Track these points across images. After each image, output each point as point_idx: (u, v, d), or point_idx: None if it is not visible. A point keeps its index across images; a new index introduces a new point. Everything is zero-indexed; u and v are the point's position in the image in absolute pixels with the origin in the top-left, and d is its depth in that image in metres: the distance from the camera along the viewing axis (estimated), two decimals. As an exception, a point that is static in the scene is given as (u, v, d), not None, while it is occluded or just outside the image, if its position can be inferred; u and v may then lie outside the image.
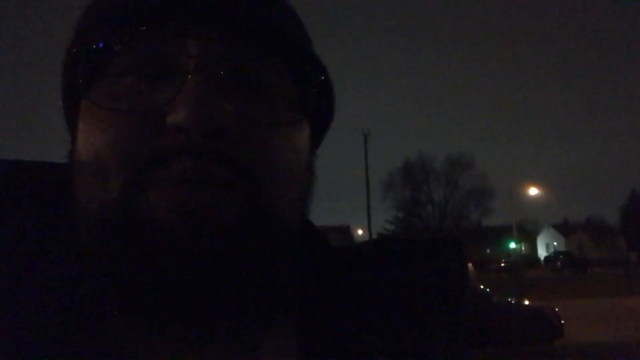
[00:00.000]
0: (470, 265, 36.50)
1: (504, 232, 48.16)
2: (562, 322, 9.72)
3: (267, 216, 0.36)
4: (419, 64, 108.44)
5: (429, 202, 45.73)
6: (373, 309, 0.44)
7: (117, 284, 0.36)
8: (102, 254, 0.36)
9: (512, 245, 38.09)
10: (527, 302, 11.34)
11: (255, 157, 0.36)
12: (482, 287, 11.63)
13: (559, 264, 40.01)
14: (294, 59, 0.40)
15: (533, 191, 37.08)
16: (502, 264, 39.08)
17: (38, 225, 0.40)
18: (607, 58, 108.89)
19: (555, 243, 60.92)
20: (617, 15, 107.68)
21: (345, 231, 36.78)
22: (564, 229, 62.05)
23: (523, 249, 55.15)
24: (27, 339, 0.35)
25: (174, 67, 0.36)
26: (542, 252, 60.15)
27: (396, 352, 0.42)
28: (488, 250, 49.97)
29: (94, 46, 0.37)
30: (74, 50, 0.39)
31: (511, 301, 11.02)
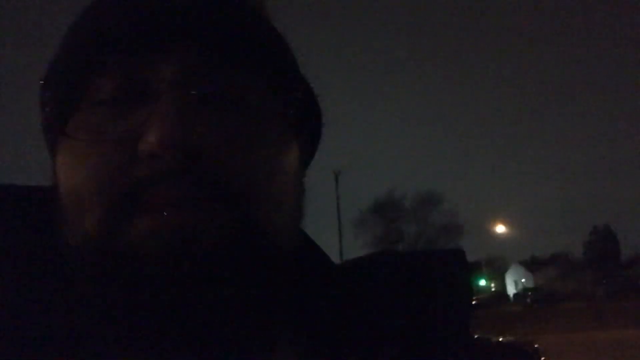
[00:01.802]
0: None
1: (474, 269, 48.59)
2: (543, 358, 9.68)
3: (255, 236, 0.35)
4: (387, 102, 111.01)
5: (400, 239, 45.88)
6: (377, 322, 0.43)
7: (104, 312, 0.35)
8: (88, 284, 0.35)
9: (482, 282, 38.38)
10: (502, 339, 11.27)
11: (238, 176, 0.35)
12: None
13: (528, 300, 40.42)
14: (276, 78, 0.39)
15: (500, 228, 37.73)
16: (474, 302, 39.07)
17: (25, 250, 0.39)
18: (570, 97, 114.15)
19: (523, 280, 61.70)
20: (581, 56, 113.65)
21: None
22: (531, 265, 63.05)
23: (493, 285, 55.62)
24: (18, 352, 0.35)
25: (147, 91, 0.35)
26: (511, 289, 60.74)
27: None
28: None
29: (67, 79, 0.37)
30: (46, 81, 0.38)
31: (489, 338, 10.94)
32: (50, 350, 0.35)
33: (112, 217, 0.34)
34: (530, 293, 43.03)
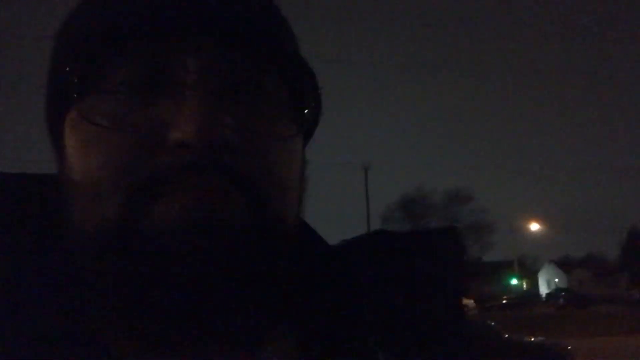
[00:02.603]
0: (471, 301, 36.00)
1: (505, 268, 47.61)
2: (575, 360, 9.35)
3: (269, 224, 0.36)
4: (418, 97, 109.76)
5: (428, 236, 45.26)
6: (372, 305, 0.44)
7: (114, 294, 0.35)
8: (99, 270, 0.35)
9: (514, 281, 37.54)
10: (534, 339, 10.96)
11: (257, 168, 0.36)
12: (491, 322, 11.29)
13: (561, 300, 39.37)
14: (290, 74, 0.40)
15: (534, 226, 36.83)
16: (504, 301, 38.40)
17: (27, 238, 0.39)
18: (610, 94, 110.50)
19: (556, 279, 60.21)
20: (623, 45, 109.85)
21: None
22: (565, 265, 61.48)
23: (524, 285, 54.48)
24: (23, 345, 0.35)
25: (172, 82, 0.36)
26: (543, 289, 59.37)
27: (397, 347, 0.42)
28: (488, 287, 49.26)
29: (86, 57, 0.36)
30: (64, 60, 0.38)
31: (520, 338, 10.65)
32: (59, 340, 0.36)
33: (135, 201, 0.34)
34: (563, 294, 41.89)
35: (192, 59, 0.36)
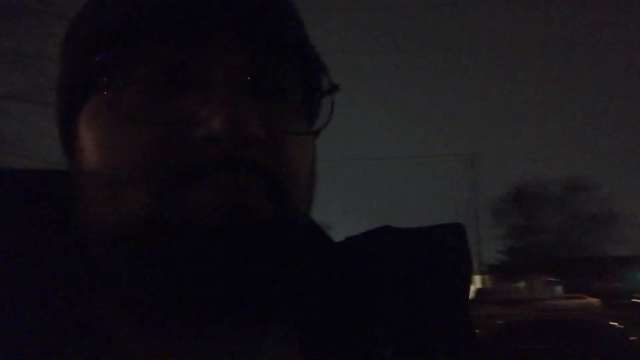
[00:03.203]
0: (596, 300, 33.27)
1: (634, 263, 43.33)
2: None
3: (291, 214, 0.37)
4: (528, 81, 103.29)
5: (544, 230, 42.67)
6: (376, 302, 0.44)
7: (132, 287, 0.36)
8: (115, 262, 0.36)
9: (646, 278, 34.06)
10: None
11: (281, 163, 0.37)
12: (614, 324, 10.52)
13: None
14: (307, 71, 0.41)
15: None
16: (635, 299, 34.98)
17: (35, 234, 0.39)
18: None
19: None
20: None
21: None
22: None
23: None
24: (28, 341, 0.35)
25: (199, 76, 0.36)
26: (683, 286, 53.00)
27: (401, 345, 0.42)
28: (616, 284, 45.13)
29: (117, 49, 0.36)
30: (92, 50, 0.38)
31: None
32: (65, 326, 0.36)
33: (164, 195, 0.34)
34: None
35: (222, 54, 0.36)
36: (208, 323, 0.36)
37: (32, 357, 0.34)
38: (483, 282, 27.63)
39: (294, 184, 0.38)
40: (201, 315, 0.36)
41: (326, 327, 0.42)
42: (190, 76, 0.36)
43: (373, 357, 0.41)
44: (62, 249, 0.38)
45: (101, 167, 0.36)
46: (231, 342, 0.38)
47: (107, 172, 0.36)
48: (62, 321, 0.36)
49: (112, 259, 0.36)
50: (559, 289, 43.30)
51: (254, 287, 0.35)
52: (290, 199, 0.37)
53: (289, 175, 0.38)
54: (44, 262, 0.38)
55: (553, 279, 44.26)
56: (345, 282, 0.45)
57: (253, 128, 0.35)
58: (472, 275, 0.47)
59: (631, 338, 9.40)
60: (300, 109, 0.41)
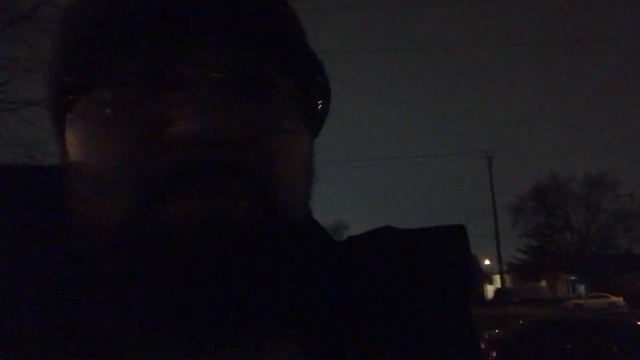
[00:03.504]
0: (620, 299, 32.57)
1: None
2: None
3: (280, 221, 0.36)
4: (549, 74, 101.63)
5: (566, 227, 41.92)
6: (377, 302, 0.44)
7: (116, 291, 0.35)
8: (103, 266, 0.35)
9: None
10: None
11: (265, 162, 0.36)
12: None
13: None
14: (297, 65, 0.39)
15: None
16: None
17: (29, 230, 0.39)
18: None
19: None
20: None
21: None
22: None
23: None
24: (22, 341, 0.34)
25: (177, 77, 0.35)
26: None
27: (402, 346, 0.42)
28: (641, 282, 44.12)
29: (92, 50, 0.36)
30: (68, 51, 0.37)
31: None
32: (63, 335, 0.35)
33: (143, 201, 0.34)
34: None
35: (197, 53, 0.35)
36: (195, 335, 0.35)
37: (24, 357, 0.34)
38: (502, 281, 27.13)
39: (284, 184, 0.37)
40: (187, 328, 0.35)
41: (327, 327, 0.42)
42: (166, 78, 0.35)
43: (374, 358, 0.41)
44: (59, 246, 0.38)
45: (84, 170, 0.36)
46: (230, 343, 0.37)
47: (88, 176, 0.36)
48: (57, 320, 0.35)
49: (98, 260, 0.35)
50: (581, 288, 42.54)
51: (243, 299, 0.34)
52: (280, 201, 0.36)
53: (278, 176, 0.37)
54: (40, 259, 0.38)
55: (575, 278, 43.48)
56: (347, 282, 0.45)
57: (231, 128, 0.34)
58: (473, 277, 0.48)
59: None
60: (291, 106, 0.40)
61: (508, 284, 41.78)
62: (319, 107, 0.43)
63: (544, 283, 46.73)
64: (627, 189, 41.33)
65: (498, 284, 38.51)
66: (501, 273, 26.69)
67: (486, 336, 9.29)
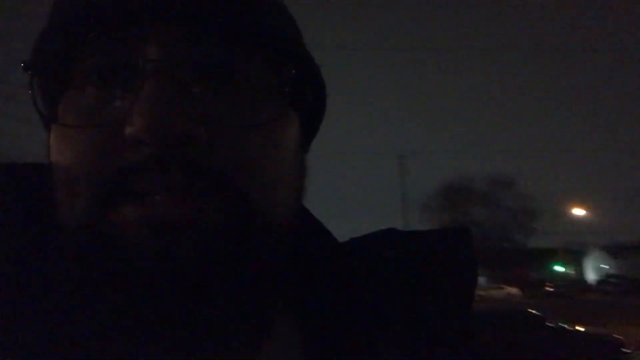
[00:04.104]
0: (516, 289, 35.18)
1: (550, 255, 46.32)
2: (627, 351, 9.01)
3: (251, 218, 0.34)
4: (455, 82, 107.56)
5: (470, 223, 44.57)
6: (379, 304, 0.43)
7: (97, 297, 0.34)
8: (80, 271, 0.34)
9: (560, 268, 36.54)
10: (583, 329, 10.62)
11: (231, 160, 0.34)
12: (534, 311, 11.00)
13: (611, 288, 37.98)
14: (270, 50, 0.37)
15: (580, 211, 35.58)
16: (550, 288, 37.35)
17: (26, 228, 0.38)
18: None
19: (605, 266, 58.12)
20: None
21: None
22: (614, 250, 59.16)
23: (571, 272, 52.88)
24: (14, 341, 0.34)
25: (132, 72, 0.34)
26: (591, 276, 57.48)
27: (404, 348, 0.41)
28: (534, 274, 48.07)
29: (51, 62, 0.36)
30: (32, 68, 0.37)
31: (568, 327, 10.33)
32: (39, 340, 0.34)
33: (99, 202, 0.33)
34: (613, 280, 40.42)
35: (151, 47, 0.34)
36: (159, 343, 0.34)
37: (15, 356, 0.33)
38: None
39: (257, 180, 0.35)
40: (153, 336, 0.33)
41: (329, 328, 0.41)
42: (126, 74, 0.34)
43: (376, 358, 0.40)
44: (51, 246, 0.37)
45: (55, 173, 0.36)
46: (230, 342, 0.36)
47: (59, 178, 0.35)
48: (45, 320, 0.35)
49: (71, 265, 0.35)
50: (482, 280, 45.46)
51: (205, 299, 0.33)
52: (248, 199, 0.34)
53: (249, 172, 0.34)
54: (33, 260, 0.37)
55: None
56: (349, 283, 0.43)
57: (186, 125, 0.32)
58: (476, 280, 0.47)
59: (549, 324, 9.82)
60: (268, 97, 0.38)
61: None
62: (309, 98, 0.41)
63: (448, 276, 49.18)
64: (522, 190, 44.48)
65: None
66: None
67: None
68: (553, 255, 45.70)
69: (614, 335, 9.41)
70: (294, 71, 0.39)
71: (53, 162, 0.36)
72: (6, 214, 0.39)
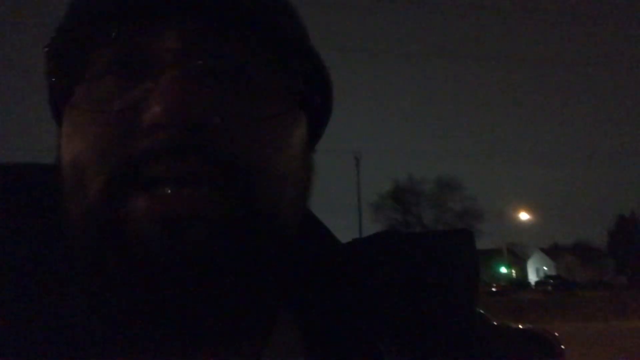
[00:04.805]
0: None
1: (494, 256, 48.05)
2: (562, 346, 9.52)
3: (258, 213, 0.34)
4: (408, 85, 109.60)
5: (418, 224, 45.61)
6: (381, 306, 0.43)
7: (105, 291, 0.34)
8: (88, 263, 0.34)
9: (503, 269, 38.01)
10: (522, 326, 11.12)
11: (241, 150, 0.34)
12: (479, 310, 11.42)
13: (549, 287, 39.93)
14: (279, 47, 0.38)
15: (523, 215, 37.16)
16: (493, 289, 38.81)
17: (28, 230, 0.38)
18: (600, 78, 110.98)
19: (545, 267, 60.90)
20: (603, 39, 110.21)
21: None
22: (553, 252, 62.12)
23: (514, 272, 55.10)
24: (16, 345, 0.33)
25: (151, 61, 0.34)
26: (532, 277, 60.06)
27: (405, 348, 0.41)
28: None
29: (70, 47, 0.36)
30: (50, 53, 0.37)
31: (509, 325, 10.79)
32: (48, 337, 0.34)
33: (111, 190, 0.33)
34: (551, 281, 42.48)
35: (171, 37, 0.35)
36: (165, 334, 0.34)
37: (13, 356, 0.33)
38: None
39: (265, 173, 0.35)
40: (159, 325, 0.34)
41: (330, 328, 0.41)
42: (145, 63, 0.35)
43: (377, 358, 0.40)
44: (54, 247, 0.37)
45: (66, 161, 0.36)
46: (233, 342, 0.36)
47: (70, 167, 0.35)
48: (44, 320, 0.34)
49: (80, 255, 0.34)
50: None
51: (213, 294, 0.33)
52: (255, 190, 0.34)
53: (258, 164, 0.35)
54: (35, 260, 0.37)
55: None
56: (350, 284, 0.43)
57: (203, 113, 0.32)
58: (479, 281, 0.47)
59: (494, 322, 10.23)
60: (276, 93, 0.38)
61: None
62: (316, 100, 0.42)
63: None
64: (468, 192, 45.96)
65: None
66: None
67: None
68: (498, 257, 47.45)
69: (552, 333, 9.92)
70: (302, 70, 0.39)
71: (65, 149, 0.36)
72: (9, 212, 0.39)
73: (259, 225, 0.34)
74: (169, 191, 0.31)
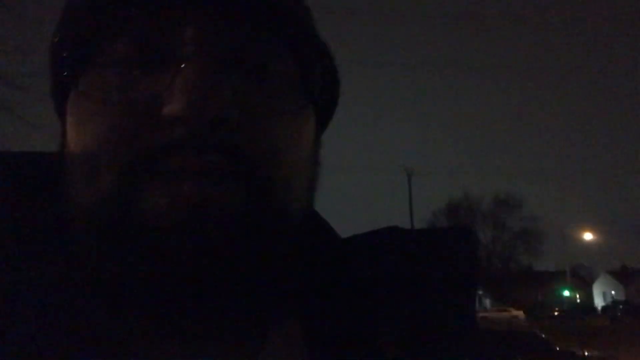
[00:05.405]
0: (521, 312, 34.72)
1: (557, 278, 45.78)
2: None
3: (273, 207, 0.34)
4: (466, 101, 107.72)
5: (475, 244, 44.26)
6: (381, 303, 0.43)
7: (111, 283, 0.34)
8: (95, 252, 0.34)
9: (566, 292, 36.10)
10: (589, 353, 10.46)
11: (259, 145, 0.34)
12: (542, 335, 10.86)
13: (619, 313, 37.45)
14: (297, 43, 0.38)
15: (588, 235, 35.21)
16: (556, 313, 36.84)
17: (24, 219, 0.37)
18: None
19: (612, 291, 57.31)
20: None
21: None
22: (622, 276, 58.39)
23: (578, 296, 52.24)
24: (15, 339, 0.32)
25: (169, 54, 0.34)
26: (598, 301, 56.67)
27: (406, 345, 0.41)
28: (540, 297, 47.48)
29: (82, 33, 0.35)
30: (60, 37, 0.37)
31: (574, 352, 10.18)
32: (55, 323, 0.33)
33: (127, 180, 0.32)
34: (620, 306, 39.84)
35: (190, 30, 0.34)
36: (178, 327, 0.34)
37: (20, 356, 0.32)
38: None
39: (281, 171, 0.35)
40: (171, 318, 0.34)
41: (330, 324, 0.41)
42: (159, 54, 0.34)
43: (377, 356, 0.40)
44: (54, 240, 0.37)
45: (75, 151, 0.35)
46: (233, 339, 0.36)
47: (80, 156, 0.35)
48: (54, 319, 0.34)
49: (88, 246, 0.34)
50: (487, 301, 44.95)
51: (225, 288, 0.33)
52: (276, 188, 0.34)
53: (274, 160, 0.35)
54: (35, 254, 0.36)
55: (482, 292, 45.88)
56: (350, 280, 0.43)
57: (223, 107, 0.32)
58: (478, 278, 0.47)
59: (556, 348, 9.68)
60: (291, 87, 0.38)
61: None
62: (325, 92, 0.42)
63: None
64: (529, 211, 44.20)
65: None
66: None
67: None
68: (561, 280, 45.15)
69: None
70: (317, 64, 0.39)
71: (72, 138, 0.36)
72: (8, 203, 0.38)
73: (274, 219, 0.34)
74: (189, 184, 0.31)
